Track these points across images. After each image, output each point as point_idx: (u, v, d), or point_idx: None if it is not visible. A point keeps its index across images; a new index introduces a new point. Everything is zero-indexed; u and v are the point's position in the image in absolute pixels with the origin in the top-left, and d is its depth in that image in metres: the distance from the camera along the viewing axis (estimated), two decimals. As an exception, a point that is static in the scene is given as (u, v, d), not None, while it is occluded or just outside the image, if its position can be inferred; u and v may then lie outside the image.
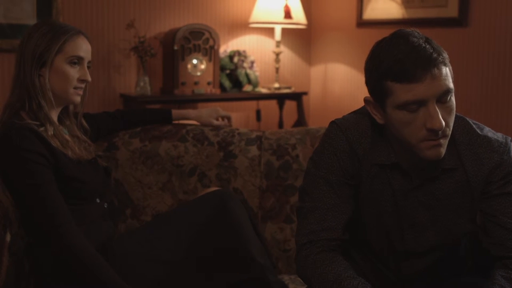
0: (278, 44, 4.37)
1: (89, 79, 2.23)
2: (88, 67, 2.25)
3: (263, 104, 4.52)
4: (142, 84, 3.91)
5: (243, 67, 4.24)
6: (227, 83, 4.18)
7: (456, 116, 1.64)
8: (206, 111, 2.70)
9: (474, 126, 1.69)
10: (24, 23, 3.61)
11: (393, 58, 1.52)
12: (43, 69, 2.15)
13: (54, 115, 2.20)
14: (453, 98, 1.57)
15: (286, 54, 4.66)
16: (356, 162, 1.69)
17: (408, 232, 1.73)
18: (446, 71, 1.54)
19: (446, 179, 1.68)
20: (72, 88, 2.19)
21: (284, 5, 4.22)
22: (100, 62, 3.93)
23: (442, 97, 1.53)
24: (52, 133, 2.13)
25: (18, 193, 2.01)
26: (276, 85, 4.38)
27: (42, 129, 2.10)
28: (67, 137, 2.20)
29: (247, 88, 4.24)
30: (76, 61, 2.19)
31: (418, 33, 1.57)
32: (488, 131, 1.70)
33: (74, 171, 2.12)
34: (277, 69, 4.41)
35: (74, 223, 2.02)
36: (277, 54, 4.38)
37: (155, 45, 3.98)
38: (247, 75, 4.24)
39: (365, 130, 1.69)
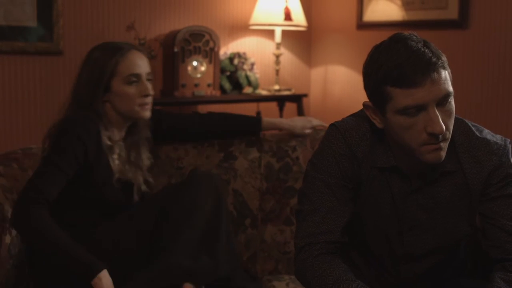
0: (278, 46, 4.37)
1: (151, 92, 2.21)
2: (149, 80, 2.23)
3: (263, 106, 4.52)
4: (142, 86, 3.90)
5: (243, 69, 4.24)
6: (227, 85, 4.17)
7: (455, 119, 1.64)
8: (300, 122, 2.60)
9: (473, 128, 1.69)
10: (24, 25, 3.61)
11: (392, 63, 1.52)
12: (106, 94, 2.17)
13: (119, 136, 2.25)
14: (452, 102, 1.57)
15: (286, 56, 4.66)
16: (355, 165, 1.69)
17: (408, 235, 1.73)
18: (446, 74, 1.54)
19: (445, 182, 1.68)
20: (136, 106, 2.19)
21: (284, 7, 4.21)
22: (100, 64, 3.93)
23: (442, 101, 1.53)
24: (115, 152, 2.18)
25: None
26: (276, 87, 4.38)
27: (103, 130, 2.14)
28: (123, 154, 2.23)
29: (247, 90, 4.24)
30: (135, 79, 2.18)
31: (416, 36, 1.56)
32: (487, 134, 1.69)
33: (102, 181, 2.14)
34: (277, 71, 4.40)
35: (45, 208, 1.99)
36: (277, 56, 4.38)
37: (155, 46, 3.98)
38: (247, 77, 4.24)
39: (365, 133, 1.69)
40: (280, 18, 4.20)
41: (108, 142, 2.17)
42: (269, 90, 4.37)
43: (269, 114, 4.58)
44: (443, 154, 1.57)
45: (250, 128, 2.55)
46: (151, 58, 3.84)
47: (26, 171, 2.18)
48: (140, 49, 2.25)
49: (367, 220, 1.74)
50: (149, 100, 2.21)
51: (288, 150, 2.57)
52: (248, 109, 4.48)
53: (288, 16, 4.22)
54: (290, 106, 4.56)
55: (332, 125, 1.73)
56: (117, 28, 3.95)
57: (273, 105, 4.55)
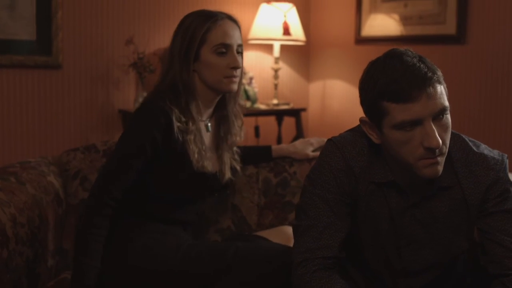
0: (276, 60, 4.38)
1: (240, 65, 2.12)
2: (239, 52, 2.14)
3: (261, 120, 4.53)
4: (140, 99, 3.90)
5: (242, 84, 4.25)
6: (225, 99, 4.18)
7: (452, 134, 1.64)
8: (300, 146, 2.55)
9: (470, 143, 1.69)
10: (23, 39, 3.62)
11: (388, 78, 1.52)
12: (194, 63, 2.09)
13: (206, 110, 2.17)
14: (448, 116, 1.57)
15: (285, 70, 4.67)
16: (352, 180, 1.69)
17: (405, 250, 1.73)
18: (441, 89, 1.54)
19: (443, 197, 1.68)
20: (223, 77, 2.10)
21: (283, 21, 4.23)
22: (99, 77, 3.94)
23: (438, 115, 1.54)
24: (192, 132, 2.08)
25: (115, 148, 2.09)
26: (275, 101, 4.39)
27: (178, 119, 2.06)
28: (203, 140, 2.13)
29: (246, 104, 4.24)
30: (224, 50, 2.10)
31: (411, 52, 1.57)
32: (484, 149, 1.70)
33: (180, 174, 2.09)
34: (275, 85, 4.41)
35: (114, 198, 2.02)
36: (276, 71, 4.39)
37: (154, 61, 3.99)
38: (245, 91, 4.24)
39: (362, 148, 1.69)
40: (278, 32, 4.22)
41: (180, 125, 2.06)
42: (267, 105, 4.38)
43: (268, 128, 4.59)
44: (440, 168, 1.57)
45: (261, 158, 2.54)
46: (149, 72, 3.86)
47: (24, 185, 2.18)
48: (235, 20, 2.16)
49: (364, 235, 1.74)
50: (237, 73, 2.13)
51: (285, 165, 2.57)
52: (246, 124, 4.44)
53: (286, 31, 4.24)
54: (288, 121, 4.57)
55: (329, 140, 1.73)
56: (116, 42, 3.96)
57: (272, 120, 4.56)
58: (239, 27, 2.17)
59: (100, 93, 3.96)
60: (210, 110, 2.21)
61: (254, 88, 4.31)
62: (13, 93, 3.67)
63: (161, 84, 2.16)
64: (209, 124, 2.22)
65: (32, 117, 3.74)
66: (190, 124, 2.08)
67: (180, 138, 2.06)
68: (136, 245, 2.08)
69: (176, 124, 2.05)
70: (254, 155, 2.50)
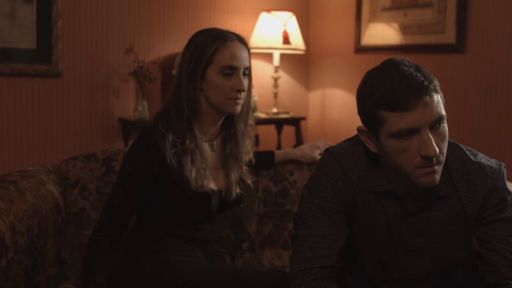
0: (276, 69, 4.39)
1: (244, 88, 2.10)
2: (246, 74, 2.13)
3: (261, 129, 4.53)
4: (140, 108, 3.91)
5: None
6: (225, 108, 4.18)
7: (450, 143, 1.65)
8: (308, 150, 2.54)
9: (467, 152, 1.69)
10: (23, 47, 3.63)
11: (385, 87, 1.53)
12: (200, 82, 2.09)
13: (210, 129, 2.17)
14: (445, 125, 1.57)
15: (285, 79, 4.68)
16: (350, 189, 1.69)
17: (403, 260, 1.72)
18: (438, 98, 1.55)
19: (441, 206, 1.68)
20: (227, 99, 2.09)
21: (282, 30, 4.24)
22: (99, 86, 3.95)
23: (434, 124, 1.54)
24: (190, 151, 2.08)
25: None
26: (275, 110, 4.39)
27: (172, 144, 2.06)
28: (204, 159, 2.12)
29: (246, 113, 4.24)
30: (230, 72, 2.08)
31: (408, 61, 1.58)
32: (482, 158, 1.70)
33: (179, 195, 2.09)
34: (275, 94, 4.42)
35: (113, 234, 2.07)
36: (276, 79, 4.40)
37: (154, 69, 4.00)
38: (245, 100, 4.25)
39: (360, 157, 1.70)
40: (278, 41, 4.22)
41: (175, 150, 2.07)
42: (267, 113, 4.38)
43: (267, 137, 4.59)
44: (438, 177, 1.57)
45: (263, 163, 2.52)
46: (149, 81, 3.86)
47: (24, 193, 2.18)
48: (244, 41, 2.15)
49: (362, 244, 1.74)
50: (242, 95, 2.11)
51: (285, 174, 2.57)
52: (246, 132, 4.48)
53: (286, 40, 4.24)
54: (288, 129, 4.57)
55: (327, 150, 1.74)
56: (116, 51, 3.97)
57: (271, 128, 4.56)
58: (248, 49, 2.16)
59: (100, 101, 3.97)
60: (215, 129, 2.21)
61: (254, 97, 4.31)
62: (12, 101, 3.67)
63: (168, 101, 2.17)
64: (214, 143, 2.21)
65: (31, 125, 3.75)
66: (188, 142, 2.08)
67: (175, 163, 2.06)
68: (155, 257, 2.10)
69: (168, 150, 2.05)
70: (256, 165, 2.47)
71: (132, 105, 4.04)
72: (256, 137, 4.48)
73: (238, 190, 2.23)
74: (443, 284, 1.80)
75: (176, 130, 2.08)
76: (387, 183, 1.67)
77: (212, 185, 2.14)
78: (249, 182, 2.31)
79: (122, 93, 4.03)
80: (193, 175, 2.07)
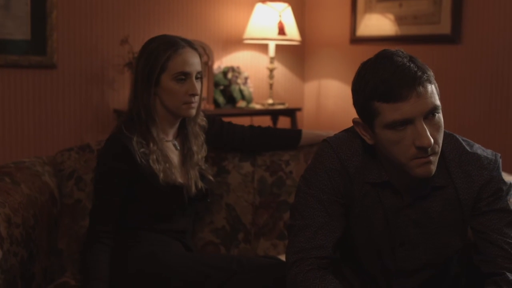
0: (272, 60, 4.38)
1: (197, 92, 2.21)
2: (198, 78, 2.23)
3: (257, 120, 4.52)
4: (136, 99, 3.90)
5: (237, 83, 4.25)
6: (221, 99, 4.18)
7: (446, 134, 1.65)
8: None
9: (463, 143, 1.70)
10: (17, 39, 3.61)
11: (379, 78, 1.53)
12: (154, 88, 2.18)
13: (169, 130, 2.27)
14: (440, 115, 1.57)
15: (280, 70, 4.67)
16: (347, 180, 1.69)
17: (399, 251, 1.73)
18: (432, 88, 1.55)
19: (437, 197, 1.68)
20: (182, 103, 2.20)
21: (278, 21, 4.23)
22: (94, 77, 3.94)
23: (429, 115, 1.54)
24: (154, 152, 2.17)
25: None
26: (270, 101, 4.39)
27: (138, 144, 2.15)
28: (167, 158, 2.21)
29: (241, 104, 4.24)
30: (183, 77, 2.18)
31: (402, 52, 1.58)
32: (478, 148, 1.70)
33: (151, 191, 2.17)
34: (271, 85, 4.41)
35: (102, 234, 2.12)
36: (271, 70, 4.39)
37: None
38: (241, 91, 4.24)
39: (357, 148, 1.70)
40: (274, 32, 4.22)
41: (143, 150, 2.17)
42: (262, 104, 4.38)
43: (263, 128, 4.58)
44: (433, 168, 1.57)
45: (289, 141, 2.56)
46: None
47: (19, 185, 2.17)
48: (195, 47, 2.24)
49: (359, 235, 1.74)
50: (195, 99, 2.22)
51: (281, 164, 2.57)
52: (241, 123, 4.48)
53: (282, 31, 4.24)
54: (283, 120, 4.57)
55: (324, 140, 1.74)
56: (111, 42, 3.95)
57: (267, 119, 4.56)
58: (199, 54, 2.25)
59: (95, 93, 3.96)
60: (174, 130, 2.31)
61: (249, 88, 4.31)
62: (7, 92, 3.66)
63: (128, 109, 2.25)
64: (176, 143, 2.31)
65: (26, 117, 3.74)
66: (151, 145, 2.17)
67: (144, 161, 2.15)
68: (138, 251, 2.14)
69: (137, 150, 2.14)
70: (281, 143, 2.54)
71: (127, 96, 4.01)
72: (250, 126, 4.49)
73: (200, 185, 2.29)
74: (438, 275, 1.81)
75: (139, 132, 2.18)
76: (384, 174, 1.67)
77: (181, 180, 2.24)
78: (210, 177, 2.38)
79: (117, 84, 4.02)
80: (161, 174, 2.17)
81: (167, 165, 2.20)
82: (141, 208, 2.21)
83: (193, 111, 2.23)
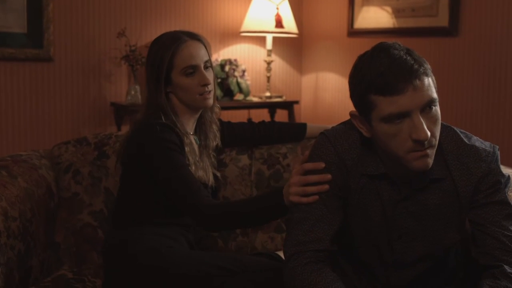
0: (269, 53, 4.37)
1: (209, 81, 2.21)
2: (207, 67, 2.23)
3: (254, 113, 4.53)
4: (133, 92, 3.90)
5: (234, 76, 4.24)
6: (218, 92, 4.18)
7: (443, 126, 1.65)
8: None
9: (461, 135, 1.69)
10: (14, 31, 3.61)
11: (375, 71, 1.53)
12: (168, 87, 2.19)
13: (191, 125, 2.27)
14: (437, 108, 1.57)
15: (277, 63, 4.67)
16: (345, 173, 1.69)
17: (397, 243, 1.73)
18: (429, 81, 1.55)
19: (435, 189, 1.68)
20: (197, 95, 2.20)
21: (275, 14, 4.23)
22: (91, 70, 3.93)
23: (425, 108, 1.54)
24: (188, 145, 2.17)
25: (160, 175, 2.09)
26: (267, 94, 4.39)
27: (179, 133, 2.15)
28: (195, 152, 2.21)
29: (238, 97, 4.24)
30: (191, 70, 2.19)
31: (399, 45, 1.57)
32: (476, 140, 1.70)
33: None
34: (268, 78, 4.41)
35: (204, 196, 2.05)
36: (269, 63, 4.39)
37: (146, 53, 3.97)
38: (238, 84, 4.24)
39: (354, 141, 1.70)
40: (271, 25, 4.21)
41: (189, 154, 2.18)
42: (260, 97, 4.38)
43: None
44: (430, 161, 1.57)
45: (294, 136, 2.55)
46: (142, 65, 3.85)
47: (16, 178, 2.17)
48: (198, 37, 2.24)
49: (356, 228, 1.74)
50: (209, 88, 2.22)
51: (279, 157, 2.56)
52: (239, 116, 4.49)
53: (279, 23, 4.23)
54: (281, 113, 4.57)
55: (321, 133, 1.74)
56: (108, 35, 3.95)
57: (264, 112, 4.56)
58: (203, 43, 2.25)
59: (92, 86, 3.95)
60: (194, 124, 2.31)
61: (247, 81, 4.31)
62: (4, 86, 3.65)
63: (148, 105, 2.22)
64: (196, 138, 2.31)
65: (23, 110, 3.73)
66: (185, 138, 2.18)
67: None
68: (139, 246, 2.11)
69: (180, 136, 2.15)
70: (287, 137, 2.54)
71: (124, 89, 4.03)
72: (249, 120, 4.49)
73: (212, 179, 2.30)
74: (436, 267, 1.81)
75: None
76: (381, 166, 1.67)
77: (204, 177, 2.24)
78: (218, 174, 2.38)
79: (114, 77, 4.01)
80: (193, 167, 2.17)
81: (196, 158, 2.21)
82: (154, 200, 2.17)
83: (210, 101, 2.24)
